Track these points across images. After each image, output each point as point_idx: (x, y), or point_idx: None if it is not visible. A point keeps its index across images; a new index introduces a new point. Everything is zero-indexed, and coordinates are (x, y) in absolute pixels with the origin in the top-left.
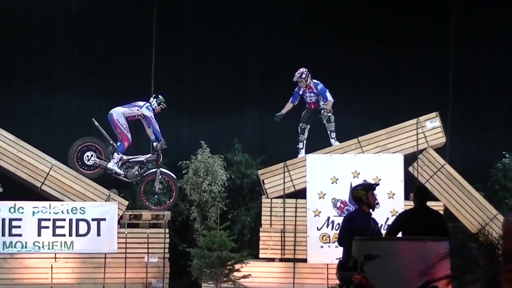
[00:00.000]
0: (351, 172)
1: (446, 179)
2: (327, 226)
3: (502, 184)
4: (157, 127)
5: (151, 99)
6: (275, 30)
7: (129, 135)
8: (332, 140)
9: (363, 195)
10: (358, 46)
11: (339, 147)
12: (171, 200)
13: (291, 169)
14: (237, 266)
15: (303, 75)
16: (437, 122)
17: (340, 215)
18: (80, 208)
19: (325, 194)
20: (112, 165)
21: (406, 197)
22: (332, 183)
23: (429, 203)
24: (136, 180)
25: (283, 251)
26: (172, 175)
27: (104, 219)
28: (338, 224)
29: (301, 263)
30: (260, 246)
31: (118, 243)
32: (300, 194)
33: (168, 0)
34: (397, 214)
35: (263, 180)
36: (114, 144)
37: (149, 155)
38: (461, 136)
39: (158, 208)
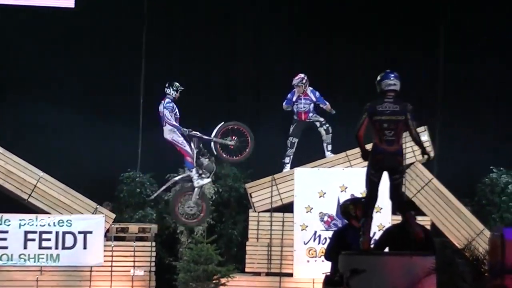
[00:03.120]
0: (338, 186)
1: (433, 193)
2: (314, 240)
3: (490, 199)
4: (174, 123)
5: (166, 89)
6: (265, 40)
7: (187, 148)
8: (328, 153)
9: (352, 209)
10: (348, 56)
11: (327, 160)
12: (247, 149)
13: (278, 183)
14: (223, 280)
15: (304, 80)
16: (425, 137)
17: (327, 229)
18: (66, 221)
19: (312, 208)
20: (197, 183)
21: (394, 212)
22: (320, 197)
23: (416, 218)
24: (213, 162)
25: (269, 265)
26: (229, 123)
27: (91, 232)
28: (325, 238)
29: (287, 278)
30: (247, 260)
31: (104, 256)
32: (288, 208)
33: (158, 7)
34: (384, 228)
35: (250, 194)
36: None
37: (191, 144)
38: (449, 151)
39: (235, 159)
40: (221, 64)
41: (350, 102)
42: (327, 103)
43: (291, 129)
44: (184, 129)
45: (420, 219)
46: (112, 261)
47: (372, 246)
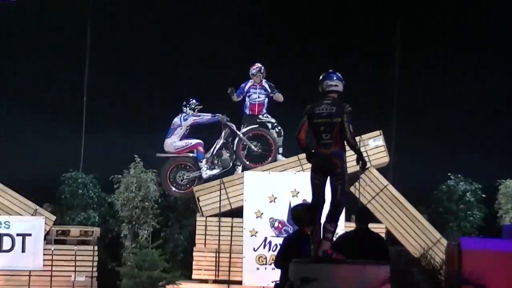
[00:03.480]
0: (290, 191)
1: (388, 200)
2: (264, 247)
3: (447, 207)
4: (205, 118)
5: (184, 108)
6: (211, 46)
7: (194, 141)
8: (279, 156)
9: (303, 215)
10: (300, 60)
11: (279, 164)
12: (268, 159)
13: (227, 187)
14: (168, 287)
15: (262, 70)
16: (380, 141)
17: (277, 236)
18: (4, 222)
19: (262, 213)
20: (205, 173)
21: (347, 219)
22: (270, 202)
23: (371, 226)
24: (232, 160)
25: (217, 272)
26: (262, 128)
27: (30, 235)
28: (276, 245)
29: (236, 285)
30: (194, 267)
31: (44, 260)
32: (237, 213)
33: (104, 3)
34: (337, 236)
35: (198, 197)
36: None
37: (222, 133)
38: (405, 156)
39: (251, 165)
40: (162, 65)
41: (304, 106)
42: (280, 93)
43: (242, 130)
44: (221, 115)
45: (375, 227)
46: (52, 265)
47: None
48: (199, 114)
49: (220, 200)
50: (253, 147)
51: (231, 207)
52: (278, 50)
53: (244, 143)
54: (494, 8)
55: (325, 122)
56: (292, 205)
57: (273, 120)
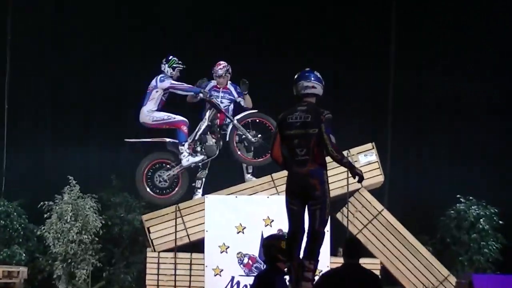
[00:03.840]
0: (262, 219)
1: (384, 229)
2: None
3: (455, 236)
4: (185, 85)
5: (162, 66)
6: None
7: (177, 117)
8: (248, 176)
9: (277, 248)
10: (286, 67)
11: (248, 186)
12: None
13: (185, 214)
14: None
15: (230, 70)
16: (373, 156)
17: (247, 275)
18: None
19: (228, 247)
20: (187, 160)
21: (333, 252)
22: (238, 232)
23: (362, 261)
24: (219, 147)
25: None
26: (261, 114)
27: None
28: (245, 286)
29: None
30: None
31: None
32: (197, 246)
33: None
34: (320, 274)
35: (148, 228)
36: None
37: (207, 113)
38: (404, 172)
39: (261, 160)
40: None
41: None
42: (249, 97)
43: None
44: (205, 90)
45: (367, 262)
46: None
47: None
48: (180, 83)
49: (176, 231)
50: (251, 137)
51: (189, 239)
52: (268, 52)
53: (238, 131)
54: (494, 8)
55: (299, 134)
56: (264, 237)
57: (244, 105)
